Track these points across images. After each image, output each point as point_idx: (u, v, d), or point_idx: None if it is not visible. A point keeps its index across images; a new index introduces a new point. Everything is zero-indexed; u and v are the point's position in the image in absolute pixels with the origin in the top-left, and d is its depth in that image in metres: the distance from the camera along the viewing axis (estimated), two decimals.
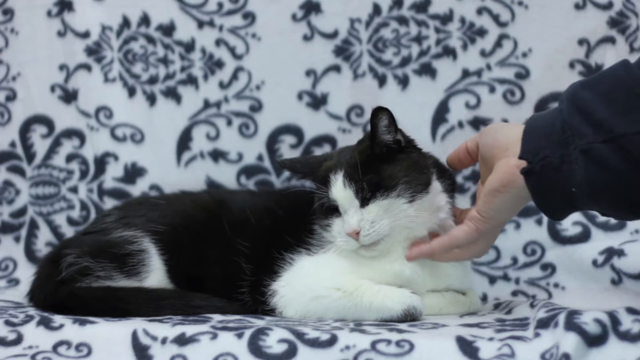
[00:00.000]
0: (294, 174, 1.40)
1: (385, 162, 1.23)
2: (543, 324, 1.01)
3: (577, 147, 1.00)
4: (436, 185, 1.26)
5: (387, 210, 1.21)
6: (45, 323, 1.13)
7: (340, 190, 1.23)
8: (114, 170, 1.74)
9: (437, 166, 1.29)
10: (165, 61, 1.74)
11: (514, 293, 1.57)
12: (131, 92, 1.74)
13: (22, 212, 1.77)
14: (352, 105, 1.68)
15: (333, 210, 1.25)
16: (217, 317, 1.21)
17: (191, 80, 1.73)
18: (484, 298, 1.56)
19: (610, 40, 1.58)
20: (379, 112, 1.22)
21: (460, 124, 1.64)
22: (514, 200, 1.09)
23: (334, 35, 1.69)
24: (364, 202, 1.22)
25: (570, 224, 1.56)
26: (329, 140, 1.69)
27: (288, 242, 1.29)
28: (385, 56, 1.67)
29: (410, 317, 1.19)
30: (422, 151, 1.30)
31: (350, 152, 1.27)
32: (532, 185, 1.04)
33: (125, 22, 1.74)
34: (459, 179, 1.61)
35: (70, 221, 1.75)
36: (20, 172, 1.78)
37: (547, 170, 1.02)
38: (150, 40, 1.73)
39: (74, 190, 1.76)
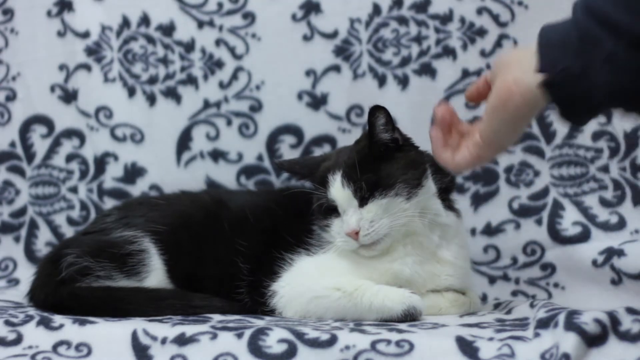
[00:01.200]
0: (292, 175, 1.40)
1: (383, 161, 1.23)
2: (543, 324, 1.00)
3: (597, 54, 0.96)
4: (430, 182, 1.26)
5: (386, 210, 1.21)
6: (45, 323, 1.13)
7: (338, 190, 1.23)
8: (113, 170, 1.74)
9: (434, 164, 1.29)
10: (165, 61, 1.73)
11: (514, 293, 1.57)
12: (131, 92, 1.74)
13: (22, 212, 1.77)
14: (352, 105, 1.68)
15: (332, 210, 1.25)
16: (217, 317, 1.21)
17: (191, 80, 1.73)
18: (484, 298, 1.56)
19: None
20: (376, 110, 1.21)
21: None
22: (513, 120, 1.05)
23: (333, 35, 1.68)
24: (362, 201, 1.22)
25: (570, 224, 1.56)
26: (329, 140, 1.69)
27: (287, 242, 1.28)
28: (385, 56, 1.67)
29: (410, 317, 1.18)
30: (419, 149, 1.30)
31: (348, 152, 1.27)
32: (554, 97, 1.00)
33: (125, 22, 1.74)
34: (459, 179, 1.61)
35: (70, 221, 1.75)
36: (20, 172, 1.78)
37: (568, 80, 0.99)
38: (150, 40, 1.73)
39: (74, 190, 1.76)
